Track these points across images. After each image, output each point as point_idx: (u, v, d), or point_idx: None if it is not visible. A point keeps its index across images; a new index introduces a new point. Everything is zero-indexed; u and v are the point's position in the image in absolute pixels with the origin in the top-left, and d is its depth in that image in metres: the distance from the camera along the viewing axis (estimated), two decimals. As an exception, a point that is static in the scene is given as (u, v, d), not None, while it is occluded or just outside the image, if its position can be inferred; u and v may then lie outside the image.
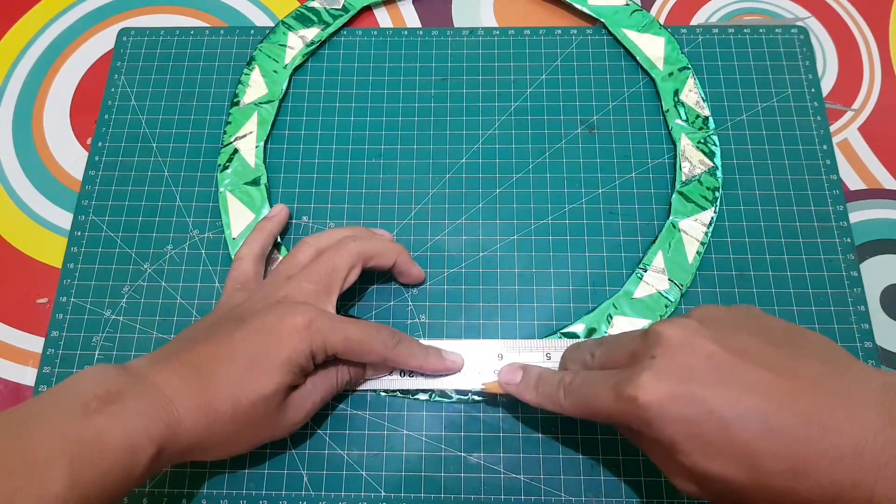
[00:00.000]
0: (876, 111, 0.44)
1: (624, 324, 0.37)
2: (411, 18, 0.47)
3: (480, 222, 0.40)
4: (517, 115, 0.43)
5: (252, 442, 0.32)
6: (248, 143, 0.42)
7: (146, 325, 0.38)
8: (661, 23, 0.45)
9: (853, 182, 0.41)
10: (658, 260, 0.38)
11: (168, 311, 0.38)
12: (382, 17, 0.47)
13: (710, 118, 0.42)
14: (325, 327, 0.31)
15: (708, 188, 0.40)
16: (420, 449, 0.35)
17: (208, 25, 0.47)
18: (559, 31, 0.45)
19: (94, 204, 0.41)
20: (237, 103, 0.43)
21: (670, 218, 0.39)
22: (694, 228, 0.39)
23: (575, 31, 0.45)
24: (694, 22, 0.46)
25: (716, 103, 0.43)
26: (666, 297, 0.37)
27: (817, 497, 0.23)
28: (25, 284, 0.40)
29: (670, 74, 0.43)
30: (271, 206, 0.40)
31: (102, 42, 0.47)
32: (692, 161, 0.41)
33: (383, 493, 0.34)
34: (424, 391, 0.36)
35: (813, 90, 0.43)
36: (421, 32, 0.46)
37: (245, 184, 0.41)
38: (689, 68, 0.43)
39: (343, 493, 0.34)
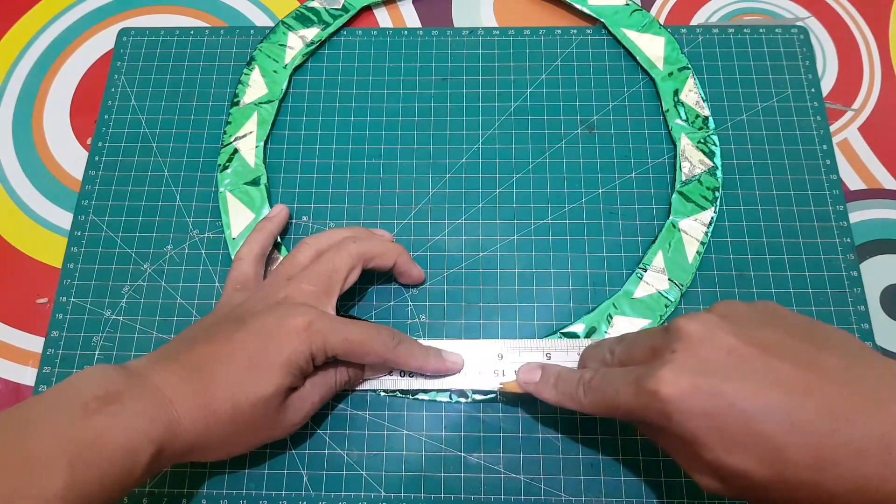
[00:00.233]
0: (876, 111, 0.44)
1: (624, 324, 0.37)
2: (411, 18, 0.47)
3: (480, 222, 0.40)
4: (517, 115, 0.43)
5: (251, 443, 0.32)
6: (248, 143, 0.42)
7: (146, 325, 0.38)
8: (661, 23, 0.45)
9: (853, 182, 0.41)
10: (658, 260, 0.38)
11: (168, 311, 0.38)
12: (382, 17, 0.47)
13: (710, 118, 0.42)
14: (324, 329, 0.31)
15: (708, 188, 0.40)
16: (420, 449, 0.35)
17: (208, 25, 0.47)
18: (559, 31, 0.45)
19: (94, 204, 0.41)
20: (237, 103, 0.43)
21: (670, 218, 0.39)
22: (694, 228, 0.39)
23: (575, 31, 0.45)
24: (694, 22, 0.46)
25: (716, 103, 0.43)
26: (666, 297, 0.37)
27: (842, 490, 0.23)
28: (25, 284, 0.40)
29: (670, 74, 0.43)
30: (271, 206, 0.40)
31: (102, 42, 0.47)
32: (692, 161, 0.41)
33: (383, 493, 0.34)
34: (425, 391, 0.36)
35: (813, 90, 0.43)
36: (421, 32, 0.46)
37: (245, 184, 0.41)
38: (688, 68, 0.43)
39: (343, 493, 0.34)
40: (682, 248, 0.39)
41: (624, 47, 0.44)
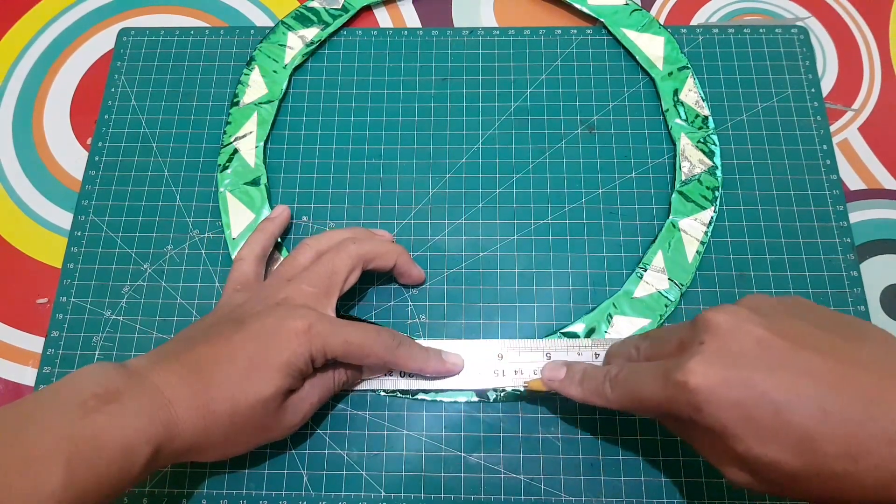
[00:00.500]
0: (876, 111, 0.43)
1: (624, 323, 0.37)
2: (411, 18, 0.47)
3: (480, 222, 0.40)
4: (517, 115, 0.43)
5: (249, 444, 0.32)
6: (247, 143, 0.42)
7: (146, 325, 0.38)
8: (661, 23, 0.45)
9: (853, 182, 0.41)
10: (658, 259, 0.38)
11: (168, 311, 0.38)
12: (382, 17, 0.47)
13: (710, 118, 0.42)
14: (324, 331, 0.31)
15: (708, 187, 0.40)
16: (420, 449, 0.35)
17: (208, 25, 0.47)
18: (559, 31, 0.45)
19: (94, 204, 0.41)
20: (237, 103, 0.43)
21: (670, 217, 0.39)
22: (694, 228, 0.39)
23: (575, 31, 0.45)
24: (694, 22, 0.46)
25: (716, 103, 0.43)
26: (666, 297, 0.37)
27: (875, 480, 0.23)
28: (25, 284, 0.40)
29: (670, 74, 0.43)
30: (271, 206, 0.40)
31: (102, 42, 0.47)
32: (692, 160, 0.41)
33: (383, 493, 0.34)
34: (426, 391, 0.36)
35: (813, 90, 0.43)
36: (421, 32, 0.46)
37: (245, 184, 0.41)
38: (688, 68, 0.43)
39: (343, 493, 0.34)
40: (681, 247, 0.39)
41: (624, 47, 0.44)
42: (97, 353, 0.37)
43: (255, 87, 0.44)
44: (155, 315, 0.38)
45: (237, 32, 0.46)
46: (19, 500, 0.24)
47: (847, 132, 0.43)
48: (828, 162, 0.41)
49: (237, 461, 0.34)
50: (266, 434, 0.32)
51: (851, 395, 0.23)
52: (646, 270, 0.38)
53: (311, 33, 0.45)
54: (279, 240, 0.39)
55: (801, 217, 0.40)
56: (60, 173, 0.43)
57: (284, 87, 0.44)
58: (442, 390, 0.36)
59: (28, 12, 0.48)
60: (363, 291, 0.38)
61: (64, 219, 0.42)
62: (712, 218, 0.39)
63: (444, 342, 0.36)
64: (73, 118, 0.45)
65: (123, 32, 0.46)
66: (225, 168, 0.41)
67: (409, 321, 0.38)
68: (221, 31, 0.46)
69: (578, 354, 0.35)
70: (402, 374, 0.35)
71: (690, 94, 0.43)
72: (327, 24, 0.45)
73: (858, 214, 0.40)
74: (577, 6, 0.46)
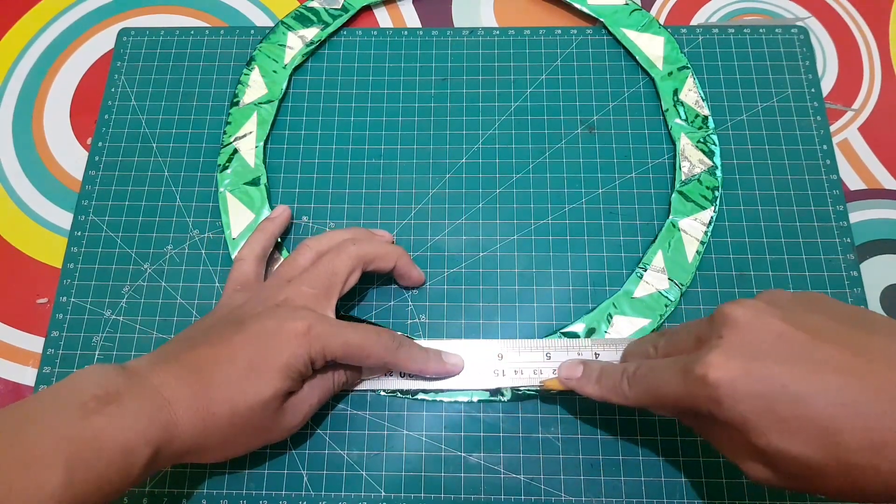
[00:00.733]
0: (876, 111, 0.43)
1: (624, 323, 0.37)
2: (411, 18, 0.47)
3: (480, 222, 0.40)
4: (517, 115, 0.43)
5: (249, 445, 0.32)
6: (247, 143, 0.42)
7: (146, 325, 0.38)
8: (661, 23, 0.45)
9: (853, 182, 0.41)
10: (658, 259, 0.38)
11: (168, 311, 0.38)
12: (382, 17, 0.47)
13: (710, 117, 0.42)
14: (324, 333, 0.31)
15: (707, 187, 0.40)
16: (420, 449, 0.35)
17: (208, 25, 0.47)
18: (559, 31, 0.45)
19: (94, 204, 0.41)
20: (237, 103, 0.43)
21: (670, 217, 0.39)
22: (694, 228, 0.39)
23: (575, 31, 0.45)
24: (694, 22, 0.46)
25: (716, 103, 0.43)
26: (666, 297, 0.37)
27: None
28: (25, 284, 0.40)
29: (669, 74, 0.43)
30: (271, 206, 0.40)
31: (102, 42, 0.47)
32: (692, 160, 0.41)
33: (383, 493, 0.34)
34: (426, 391, 0.36)
35: (813, 90, 0.43)
36: (421, 32, 0.46)
37: (245, 184, 0.41)
38: (688, 68, 0.43)
39: (343, 493, 0.34)
40: (681, 247, 0.39)
41: (623, 47, 0.44)
42: (97, 353, 0.37)
43: (255, 87, 0.44)
44: (155, 315, 0.38)
45: (237, 32, 0.46)
46: (19, 501, 0.24)
47: (847, 132, 0.43)
48: (828, 162, 0.41)
49: (237, 461, 0.34)
50: (265, 435, 0.32)
51: (872, 387, 0.23)
52: (646, 270, 0.38)
53: (311, 33, 0.45)
54: (279, 240, 0.39)
55: (801, 217, 0.40)
56: (60, 173, 0.43)
57: (284, 87, 0.44)
58: (442, 390, 0.36)
59: (28, 12, 0.48)
60: (363, 292, 0.38)
61: (64, 219, 0.42)
62: (712, 218, 0.39)
63: (444, 342, 0.36)
64: (73, 118, 0.45)
65: (123, 32, 0.46)
66: (225, 168, 0.41)
67: (409, 321, 0.38)
68: (221, 31, 0.46)
69: (578, 354, 0.35)
70: (402, 375, 0.35)
71: (690, 93, 0.43)
72: (327, 24, 0.45)
73: (858, 214, 0.40)
74: (577, 6, 0.46)
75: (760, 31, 0.45)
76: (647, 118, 0.43)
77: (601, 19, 0.45)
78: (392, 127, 0.43)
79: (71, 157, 0.43)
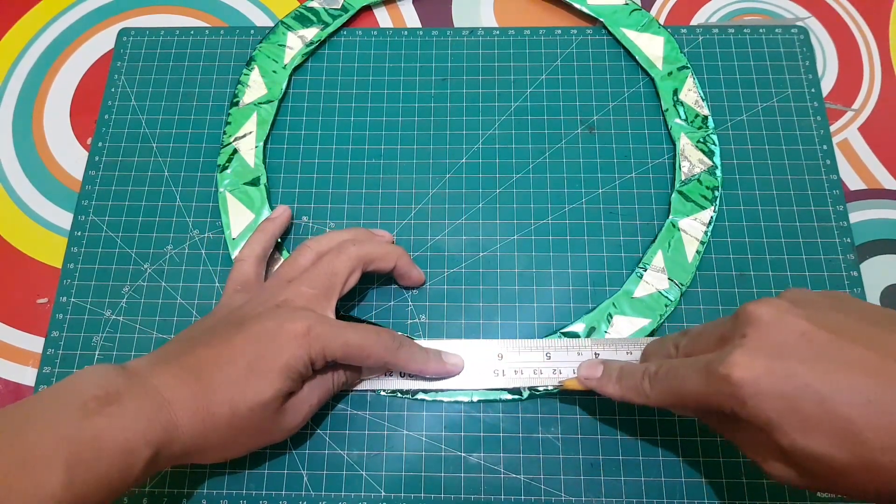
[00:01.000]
0: (876, 111, 0.43)
1: (624, 323, 0.37)
2: (411, 18, 0.47)
3: (480, 222, 0.40)
4: (517, 115, 0.43)
5: (249, 446, 0.32)
6: (247, 143, 0.42)
7: (146, 325, 0.38)
8: (661, 23, 0.45)
9: (853, 182, 0.41)
10: (658, 259, 0.38)
11: (168, 311, 0.38)
12: (382, 17, 0.47)
13: (710, 117, 0.42)
14: (324, 334, 0.31)
15: (707, 187, 0.40)
16: (420, 449, 0.35)
17: (208, 25, 0.47)
18: (559, 31, 0.45)
19: (94, 204, 0.41)
20: (237, 103, 0.43)
21: (670, 217, 0.39)
22: (693, 227, 0.39)
23: (575, 31, 0.45)
24: (694, 22, 0.46)
25: (716, 103, 0.43)
26: (666, 297, 0.37)
27: None
28: (25, 284, 0.40)
29: (669, 74, 0.43)
30: (271, 206, 0.40)
31: (102, 42, 0.47)
32: (691, 160, 0.41)
33: (383, 493, 0.34)
34: (426, 391, 0.36)
35: (813, 90, 0.43)
36: (421, 32, 0.46)
37: (245, 184, 0.41)
38: (688, 67, 0.43)
39: (343, 493, 0.34)
40: (681, 247, 0.39)
41: (623, 47, 0.44)
42: (97, 353, 0.37)
43: (255, 87, 0.44)
44: (155, 315, 0.38)
45: (237, 32, 0.46)
46: (19, 501, 0.24)
47: (847, 132, 0.43)
48: (828, 162, 0.41)
49: (237, 461, 0.34)
50: (265, 436, 0.32)
51: None
52: (646, 270, 0.38)
53: (311, 33, 0.45)
54: (279, 240, 0.39)
55: (801, 217, 0.40)
56: (60, 173, 0.43)
57: (284, 87, 0.44)
58: (442, 390, 0.36)
59: (28, 12, 0.48)
60: (363, 292, 0.38)
61: (64, 219, 0.42)
62: (712, 218, 0.39)
63: (444, 342, 0.36)
64: (73, 118, 0.45)
65: (123, 32, 0.46)
66: (225, 168, 0.41)
67: (409, 321, 0.38)
68: (221, 31, 0.46)
69: (578, 354, 0.35)
70: (402, 375, 0.35)
71: (690, 93, 0.43)
72: (327, 24, 0.45)
73: (858, 214, 0.40)
74: (577, 6, 0.46)
75: (760, 31, 0.45)
76: (647, 118, 0.43)
77: (601, 19, 0.45)
78: (392, 127, 0.43)
79: (71, 157, 0.43)
